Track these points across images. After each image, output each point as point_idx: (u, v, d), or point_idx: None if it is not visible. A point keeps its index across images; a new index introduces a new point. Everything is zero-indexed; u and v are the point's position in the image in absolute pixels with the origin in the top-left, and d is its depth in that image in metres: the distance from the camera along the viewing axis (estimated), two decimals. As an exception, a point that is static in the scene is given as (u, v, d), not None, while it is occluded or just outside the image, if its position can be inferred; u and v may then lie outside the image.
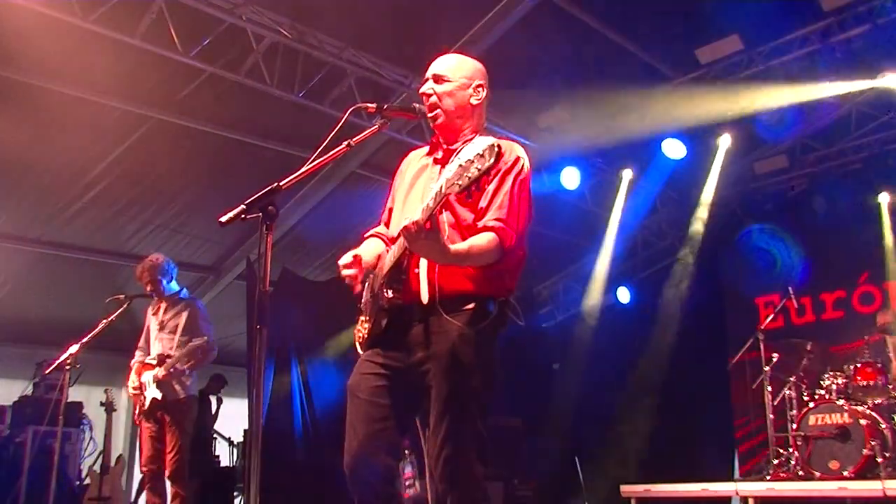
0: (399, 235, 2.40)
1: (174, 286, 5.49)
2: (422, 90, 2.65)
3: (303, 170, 2.37)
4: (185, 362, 5.15)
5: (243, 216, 2.22)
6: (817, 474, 5.65)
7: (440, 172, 2.50)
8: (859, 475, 5.44)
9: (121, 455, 7.84)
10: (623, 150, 8.21)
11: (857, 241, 7.97)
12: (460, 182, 2.08)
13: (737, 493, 6.06)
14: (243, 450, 8.42)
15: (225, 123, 7.06)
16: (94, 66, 6.01)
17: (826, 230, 8.18)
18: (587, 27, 6.64)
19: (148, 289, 5.44)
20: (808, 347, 6.49)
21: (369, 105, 2.63)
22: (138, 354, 5.46)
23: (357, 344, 2.68)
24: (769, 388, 6.39)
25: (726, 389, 8.53)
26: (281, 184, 2.29)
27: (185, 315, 5.31)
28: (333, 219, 8.68)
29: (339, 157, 2.50)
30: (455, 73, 2.70)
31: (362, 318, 2.66)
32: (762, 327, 6.66)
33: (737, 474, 8.22)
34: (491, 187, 2.48)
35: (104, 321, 5.30)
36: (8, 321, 8.45)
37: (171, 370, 5.10)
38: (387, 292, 2.47)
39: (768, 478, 6.04)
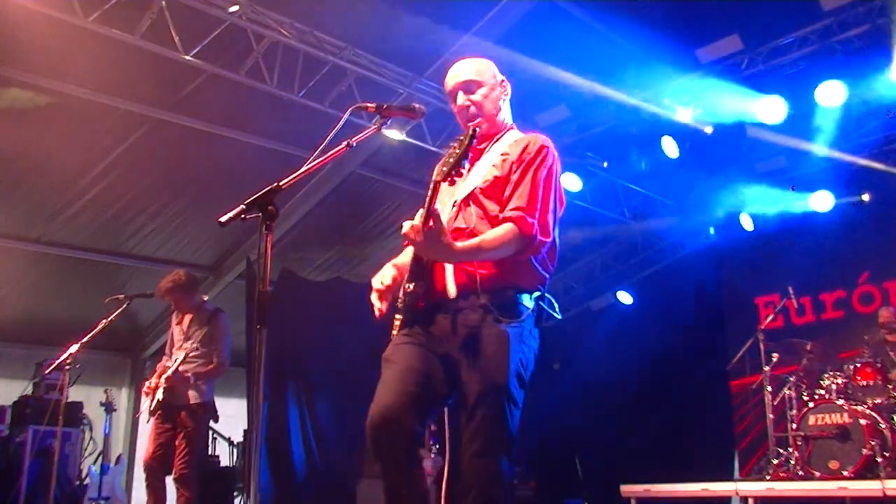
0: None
1: (198, 298, 5.55)
2: (459, 104, 2.64)
3: (303, 170, 2.37)
4: (196, 377, 5.19)
5: (243, 216, 2.21)
6: (817, 474, 5.65)
7: (469, 172, 2.56)
8: (859, 475, 5.44)
9: (121, 455, 7.85)
10: (623, 150, 8.21)
11: (857, 241, 7.97)
12: (445, 168, 2.16)
13: (737, 493, 6.06)
14: (243, 450, 8.42)
15: (225, 123, 7.06)
16: (94, 65, 6.01)
17: (826, 230, 8.18)
18: (587, 27, 6.64)
19: (173, 307, 5.50)
20: (808, 347, 6.49)
21: (369, 105, 2.62)
22: (164, 360, 5.48)
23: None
24: (769, 388, 6.39)
25: (726, 389, 8.53)
26: (281, 184, 2.29)
27: (207, 328, 5.33)
28: (333, 219, 8.69)
29: (338, 157, 2.50)
30: (484, 75, 2.68)
31: (397, 315, 2.63)
32: (762, 327, 6.66)
33: (737, 474, 8.22)
34: (514, 177, 2.48)
35: (104, 321, 5.31)
36: (8, 321, 8.46)
37: (178, 377, 5.12)
38: (408, 286, 2.47)
39: (768, 478, 6.04)
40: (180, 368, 5.18)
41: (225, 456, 8.60)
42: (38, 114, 6.34)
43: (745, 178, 8.57)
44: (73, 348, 5.19)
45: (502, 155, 2.53)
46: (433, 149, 7.54)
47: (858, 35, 6.41)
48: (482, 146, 2.62)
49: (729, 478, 7.59)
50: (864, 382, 5.96)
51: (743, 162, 8.44)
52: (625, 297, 10.28)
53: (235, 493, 7.88)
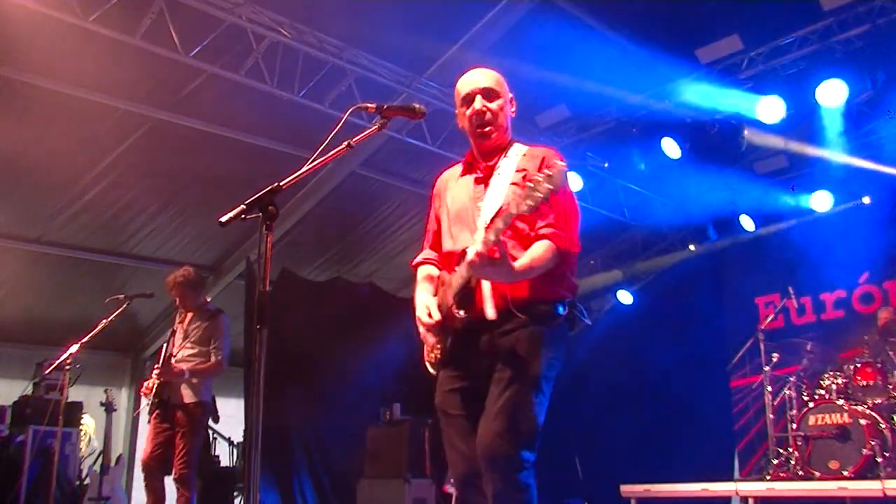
0: (460, 255, 2.51)
1: (203, 298, 5.56)
2: (475, 108, 2.66)
3: (303, 170, 2.37)
4: (192, 373, 5.18)
5: (243, 216, 2.21)
6: (817, 474, 5.66)
7: (485, 191, 2.61)
8: (859, 475, 5.44)
9: (121, 455, 7.85)
10: (624, 150, 8.20)
11: (857, 241, 7.97)
12: (530, 202, 2.14)
13: (737, 493, 6.06)
14: (243, 450, 8.42)
15: (225, 123, 7.06)
16: (94, 66, 6.01)
17: (826, 230, 8.18)
18: (587, 27, 6.64)
19: (177, 302, 5.48)
20: (808, 347, 6.49)
21: (369, 105, 2.61)
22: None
23: (428, 364, 2.75)
24: (769, 388, 6.39)
25: (726, 389, 8.53)
26: (281, 184, 2.29)
27: (207, 327, 5.32)
28: (333, 219, 8.69)
29: (339, 157, 2.50)
30: (502, 87, 2.73)
31: (431, 341, 2.68)
32: (762, 327, 6.67)
33: (737, 474, 8.22)
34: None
35: (104, 321, 5.31)
36: (8, 321, 8.46)
37: (171, 371, 5.11)
38: (458, 312, 2.51)
39: (768, 478, 6.04)
40: (175, 363, 5.19)
41: (225, 456, 8.60)
42: (38, 114, 6.34)
43: (745, 178, 8.57)
44: (73, 348, 5.19)
45: (518, 171, 2.57)
46: (433, 149, 7.55)
47: (858, 35, 6.41)
48: (492, 162, 2.66)
49: (729, 478, 7.60)
50: (864, 382, 5.96)
51: (743, 162, 8.44)
52: (625, 297, 10.28)
53: (235, 493, 7.89)
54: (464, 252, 2.48)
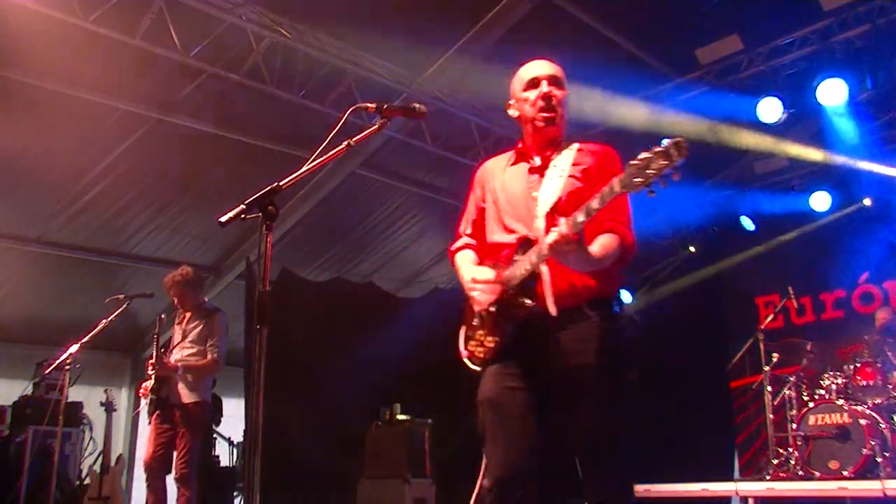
0: (517, 243, 2.48)
1: (200, 298, 5.58)
2: (542, 90, 2.61)
3: (303, 170, 2.37)
4: (186, 369, 5.18)
5: (243, 216, 2.21)
6: (817, 474, 5.65)
7: (540, 181, 2.56)
8: (859, 475, 5.44)
9: (121, 455, 7.84)
10: (624, 150, 8.20)
11: (857, 241, 7.97)
12: (639, 179, 2.03)
13: (737, 493, 6.06)
14: (243, 450, 8.42)
15: (225, 123, 7.06)
16: (95, 66, 6.01)
17: (826, 230, 8.18)
18: (587, 27, 6.64)
19: (175, 301, 5.49)
20: (808, 347, 6.49)
21: (369, 105, 2.60)
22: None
23: (469, 358, 2.64)
24: (769, 388, 6.39)
25: (726, 389, 8.53)
26: (281, 184, 2.29)
27: (204, 325, 5.34)
28: (333, 219, 8.69)
29: (339, 157, 2.49)
30: (565, 83, 2.69)
31: (480, 332, 2.59)
32: (762, 327, 6.67)
33: (737, 474, 8.22)
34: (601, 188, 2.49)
35: (104, 321, 5.31)
36: (8, 321, 8.45)
37: (165, 367, 5.12)
38: (524, 301, 2.43)
39: (768, 478, 6.04)
40: (171, 359, 5.20)
41: (225, 456, 8.60)
42: (38, 114, 6.34)
43: (745, 179, 8.57)
44: (73, 348, 5.19)
45: (575, 165, 2.54)
46: (433, 149, 7.55)
47: (858, 35, 6.41)
48: (548, 153, 2.62)
49: (729, 478, 7.59)
50: (864, 382, 5.96)
51: (743, 162, 8.44)
52: (625, 297, 10.29)
53: (235, 493, 7.89)
54: (523, 240, 2.46)
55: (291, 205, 8.10)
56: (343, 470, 7.77)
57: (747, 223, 8.82)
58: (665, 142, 2.01)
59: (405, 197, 8.67)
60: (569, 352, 2.41)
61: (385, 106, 2.61)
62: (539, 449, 2.44)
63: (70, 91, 6.21)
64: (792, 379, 6.33)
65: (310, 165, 2.40)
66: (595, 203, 2.17)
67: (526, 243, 2.46)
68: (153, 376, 5.17)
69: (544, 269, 2.42)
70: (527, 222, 2.52)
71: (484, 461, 2.53)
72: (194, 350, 5.28)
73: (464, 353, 2.66)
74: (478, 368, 2.59)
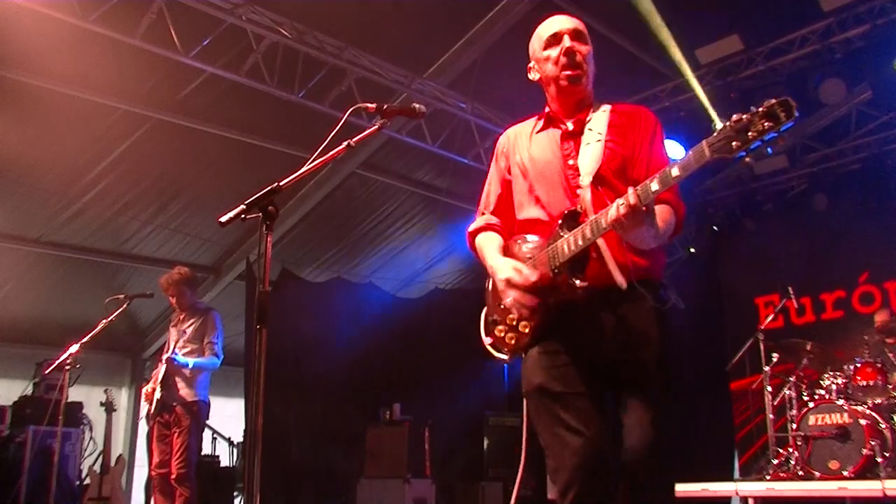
0: (561, 218, 2.21)
1: (196, 298, 5.70)
2: (565, 45, 2.36)
3: (303, 170, 2.37)
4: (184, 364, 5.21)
5: (243, 216, 2.21)
6: (817, 474, 5.65)
7: (576, 148, 2.32)
8: (859, 475, 5.43)
9: (121, 455, 7.84)
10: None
11: (857, 241, 7.97)
12: (737, 142, 1.79)
13: (737, 493, 6.05)
14: (243, 450, 8.42)
15: (225, 123, 7.07)
16: (95, 66, 6.02)
17: (826, 230, 8.17)
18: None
19: (172, 301, 5.54)
20: (808, 347, 6.48)
21: (369, 105, 2.59)
22: (159, 366, 5.49)
23: (495, 348, 2.39)
24: (769, 388, 6.38)
25: (726, 389, 8.52)
26: (281, 184, 2.28)
27: (200, 323, 5.40)
28: (333, 219, 8.69)
29: (339, 157, 2.49)
30: (588, 36, 2.45)
31: (511, 316, 2.31)
32: (762, 327, 6.66)
33: (737, 474, 8.22)
34: (646, 155, 2.31)
35: (104, 321, 5.31)
36: (8, 321, 8.46)
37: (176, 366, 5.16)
38: (574, 281, 2.17)
39: (768, 478, 6.03)
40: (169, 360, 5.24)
41: (225, 456, 8.60)
42: (38, 114, 6.34)
43: (744, 178, 8.57)
44: (73, 348, 5.19)
45: (612, 128, 2.31)
46: (433, 149, 7.55)
47: (858, 35, 6.41)
48: (580, 116, 2.38)
49: (729, 478, 7.59)
50: (864, 382, 5.95)
51: (743, 162, 8.42)
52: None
53: (235, 493, 7.89)
54: (568, 214, 2.21)
55: (291, 205, 8.10)
56: (343, 470, 7.78)
57: (747, 223, 8.82)
58: (768, 102, 1.76)
59: (405, 197, 8.67)
60: (620, 335, 2.20)
61: (385, 106, 2.59)
62: (610, 430, 2.20)
63: (70, 91, 6.21)
64: (792, 379, 6.32)
65: (310, 165, 2.40)
66: (676, 171, 1.94)
67: (571, 217, 2.21)
68: (157, 378, 5.19)
69: (601, 243, 2.18)
70: (566, 194, 2.29)
71: (520, 459, 2.35)
72: (191, 349, 5.33)
73: (486, 340, 2.41)
74: (504, 357, 2.36)
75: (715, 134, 1.84)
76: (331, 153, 2.45)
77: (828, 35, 6.54)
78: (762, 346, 6.49)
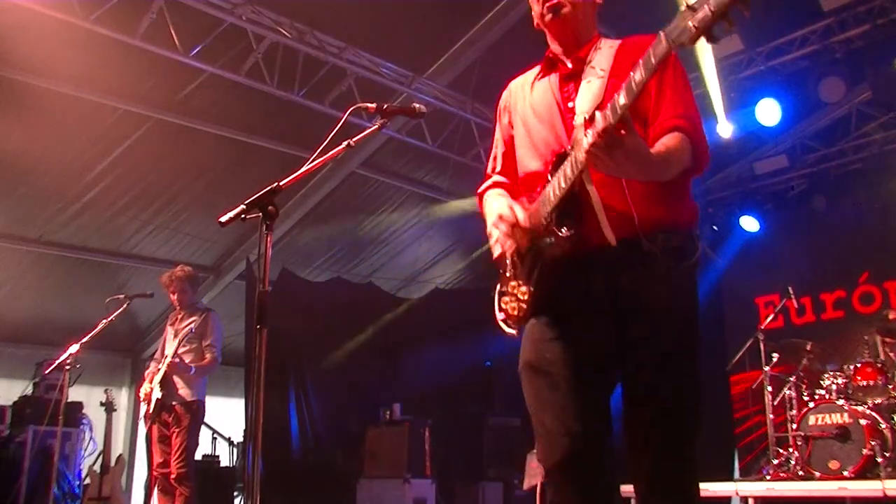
0: (551, 163, 1.95)
1: (195, 297, 5.72)
2: None
3: (303, 170, 2.37)
4: (188, 368, 5.22)
5: (243, 216, 2.21)
6: (817, 474, 5.65)
7: (576, 89, 2.07)
8: (859, 475, 5.43)
9: (121, 455, 7.84)
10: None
11: (857, 241, 7.96)
12: (692, 22, 1.60)
13: (737, 493, 6.05)
14: (243, 450, 8.42)
15: (225, 123, 7.07)
16: (94, 65, 6.01)
17: (826, 230, 8.17)
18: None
19: (173, 297, 5.53)
20: (808, 347, 6.48)
21: (369, 105, 2.59)
22: (152, 365, 5.51)
23: (502, 320, 2.16)
24: (769, 388, 6.38)
25: (726, 389, 8.52)
26: (281, 184, 2.28)
27: (199, 324, 5.37)
28: (333, 219, 8.69)
29: (338, 156, 2.49)
30: None
31: (513, 283, 2.08)
32: (762, 327, 6.66)
33: (737, 474, 8.21)
34: (660, 81, 2.00)
35: (104, 321, 5.32)
36: (8, 321, 8.46)
37: (175, 366, 5.16)
38: (561, 231, 1.89)
39: (768, 478, 6.03)
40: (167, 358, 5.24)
41: (225, 456, 8.60)
42: (38, 114, 6.34)
43: (744, 178, 8.56)
44: (73, 348, 5.19)
45: (617, 62, 2.03)
46: (433, 149, 7.55)
47: (858, 35, 6.41)
48: (580, 54, 2.14)
49: (729, 478, 7.58)
50: (864, 382, 5.95)
51: (743, 162, 8.44)
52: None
53: (235, 493, 7.89)
54: (557, 157, 1.94)
55: (291, 205, 8.10)
56: (343, 470, 7.78)
57: (747, 223, 8.82)
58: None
59: (405, 197, 8.67)
60: (626, 296, 1.93)
61: (385, 106, 2.60)
62: (599, 410, 1.98)
63: (70, 91, 6.21)
64: (792, 379, 6.32)
65: (310, 165, 2.40)
66: (637, 74, 1.63)
67: (560, 160, 1.93)
68: (153, 378, 5.20)
69: (591, 190, 1.90)
70: (564, 139, 2.03)
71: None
72: (189, 348, 5.32)
73: (499, 316, 2.16)
74: (513, 331, 2.12)
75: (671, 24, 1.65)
76: (331, 153, 2.45)
77: (828, 35, 6.54)
78: (762, 346, 6.49)
